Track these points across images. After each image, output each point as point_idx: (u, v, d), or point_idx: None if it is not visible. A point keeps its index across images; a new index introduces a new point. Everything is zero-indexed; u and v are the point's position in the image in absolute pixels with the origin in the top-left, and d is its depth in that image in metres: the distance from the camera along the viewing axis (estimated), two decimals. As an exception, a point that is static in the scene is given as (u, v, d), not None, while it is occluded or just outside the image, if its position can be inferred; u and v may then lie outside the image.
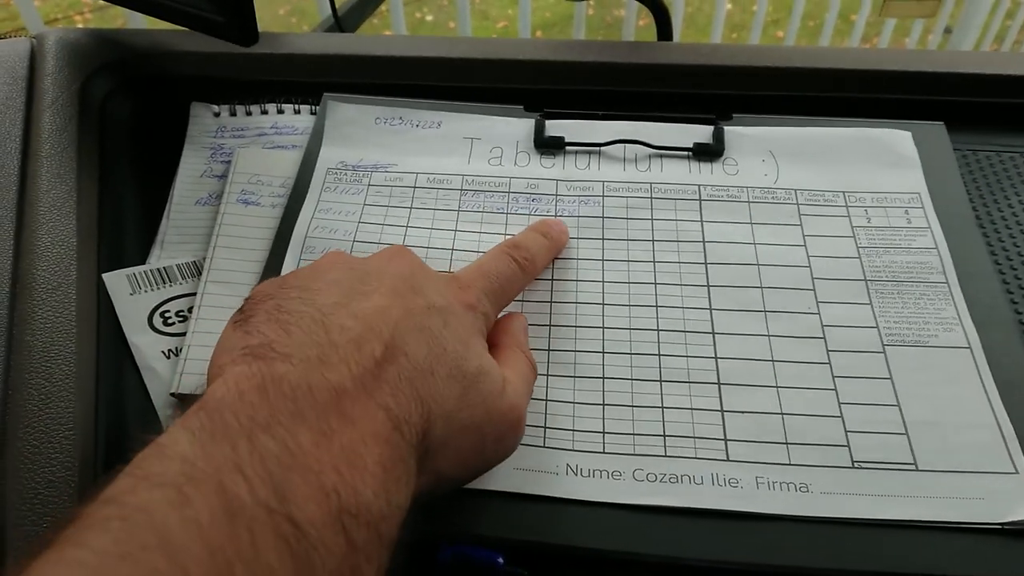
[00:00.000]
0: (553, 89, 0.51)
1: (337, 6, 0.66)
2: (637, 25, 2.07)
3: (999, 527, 0.33)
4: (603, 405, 0.37)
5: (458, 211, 0.45)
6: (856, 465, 0.35)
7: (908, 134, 0.47)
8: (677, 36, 1.73)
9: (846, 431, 0.36)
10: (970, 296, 0.41)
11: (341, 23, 0.67)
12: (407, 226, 0.44)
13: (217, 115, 0.50)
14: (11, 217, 0.41)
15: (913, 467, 0.35)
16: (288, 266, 0.42)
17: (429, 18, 2.62)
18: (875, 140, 0.47)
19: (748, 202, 0.45)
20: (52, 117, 0.45)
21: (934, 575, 0.32)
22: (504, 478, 0.34)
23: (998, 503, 0.34)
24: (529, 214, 0.45)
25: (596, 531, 0.33)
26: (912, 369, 0.38)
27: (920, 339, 0.39)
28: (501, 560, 0.32)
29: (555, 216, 0.45)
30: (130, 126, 0.50)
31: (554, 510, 0.34)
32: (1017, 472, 0.34)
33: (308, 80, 0.51)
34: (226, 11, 0.45)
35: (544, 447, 0.36)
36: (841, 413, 0.37)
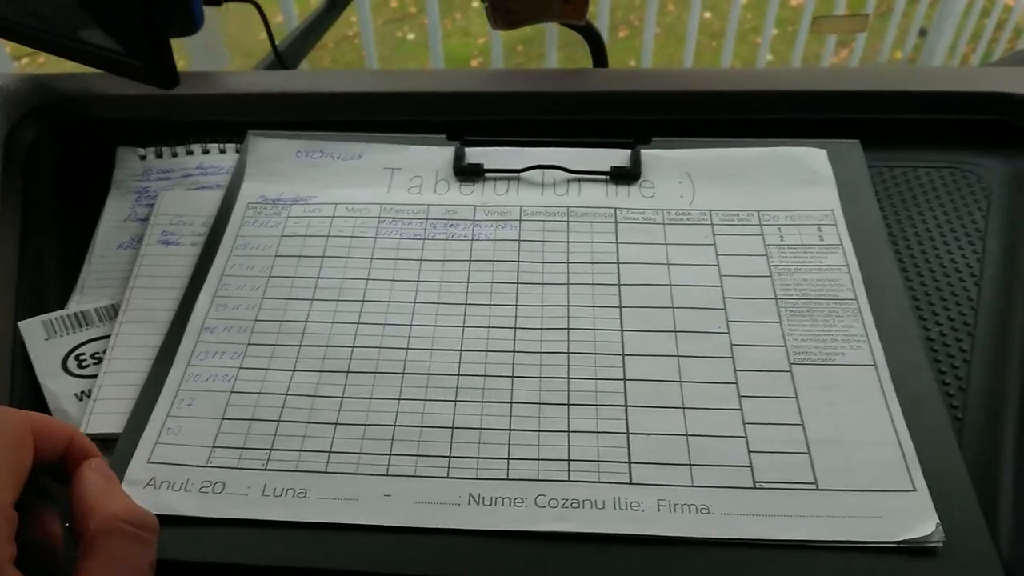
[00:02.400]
0: (478, 120, 0.52)
1: (278, 42, 0.66)
2: (615, 38, 2.07)
3: (895, 545, 0.33)
4: (509, 431, 0.38)
5: (375, 238, 0.45)
6: (758, 485, 0.35)
7: (823, 152, 0.48)
8: (650, 47, 1.75)
9: (749, 451, 0.36)
10: (878, 313, 0.41)
11: (283, 59, 0.67)
12: (323, 256, 0.45)
13: (143, 158, 0.51)
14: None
15: (813, 487, 0.35)
16: (202, 306, 0.42)
17: (411, 36, 2.63)
18: (790, 159, 0.48)
19: (663, 224, 0.46)
20: (-23, 166, 0.46)
21: None
22: (404, 512, 0.35)
23: (895, 521, 0.34)
24: (446, 239, 0.45)
25: (498, 561, 0.34)
26: (817, 387, 0.38)
27: (827, 357, 0.39)
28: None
29: (471, 240, 0.45)
30: (57, 172, 0.50)
31: (457, 542, 0.34)
32: (915, 490, 0.35)
33: (235, 119, 0.52)
34: (143, 55, 0.45)
35: (447, 477, 0.36)
36: (745, 433, 0.37)
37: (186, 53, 1.37)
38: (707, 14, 2.48)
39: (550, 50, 1.65)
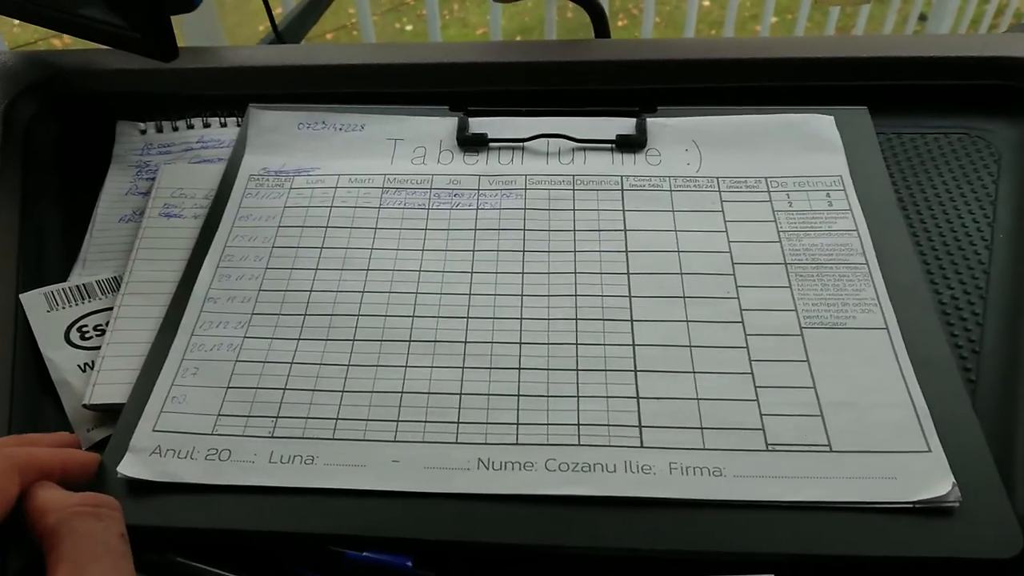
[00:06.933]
0: (482, 91, 0.51)
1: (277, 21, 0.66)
2: (614, 27, 2.05)
3: (911, 505, 0.33)
4: (518, 396, 0.37)
5: (379, 208, 0.45)
6: (770, 448, 0.35)
7: (831, 118, 0.47)
8: (649, 36, 1.74)
9: (761, 414, 0.36)
10: (889, 277, 0.40)
11: (283, 38, 0.67)
12: (327, 226, 0.44)
13: (143, 132, 0.50)
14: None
15: (827, 448, 0.35)
16: (205, 276, 0.42)
17: (409, 28, 2.63)
18: (798, 126, 0.47)
19: (670, 191, 0.45)
20: (-25, 140, 0.46)
21: (847, 555, 0.32)
22: (412, 478, 0.34)
23: (910, 482, 0.33)
24: (451, 208, 0.45)
25: (508, 526, 0.33)
26: (829, 351, 0.38)
27: (838, 321, 0.39)
28: (410, 564, 0.32)
29: (476, 209, 0.45)
30: (57, 146, 0.50)
31: (465, 507, 0.34)
32: (929, 451, 0.34)
33: (235, 93, 0.51)
34: (142, 27, 0.45)
35: (456, 443, 0.35)
36: (757, 397, 0.37)
37: (188, 43, 1.36)
38: (706, 2, 2.48)
39: (550, 37, 1.65)
